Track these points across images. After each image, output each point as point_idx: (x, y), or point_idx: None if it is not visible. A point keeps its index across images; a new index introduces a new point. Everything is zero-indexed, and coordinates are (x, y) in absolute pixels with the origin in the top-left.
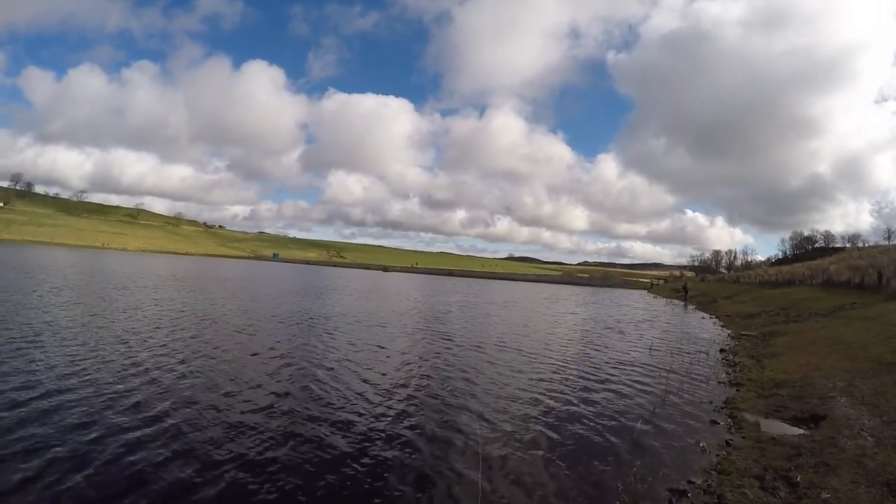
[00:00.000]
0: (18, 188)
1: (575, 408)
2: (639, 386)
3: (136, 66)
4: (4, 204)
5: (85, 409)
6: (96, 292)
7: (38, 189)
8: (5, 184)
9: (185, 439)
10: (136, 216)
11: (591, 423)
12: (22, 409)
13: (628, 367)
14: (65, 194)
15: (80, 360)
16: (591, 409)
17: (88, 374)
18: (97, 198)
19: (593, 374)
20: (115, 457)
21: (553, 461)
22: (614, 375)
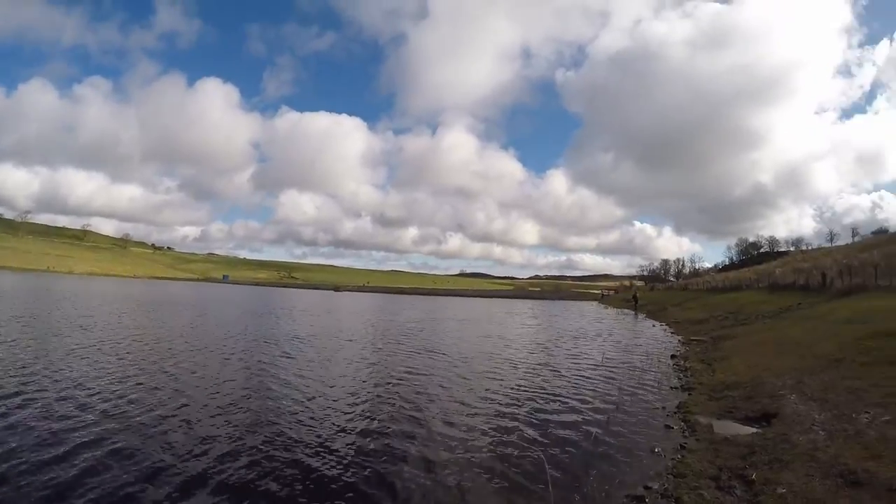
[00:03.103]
0: None
1: (529, 420)
2: (592, 396)
3: (89, 82)
4: None
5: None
6: (36, 323)
7: None
8: None
9: (138, 471)
10: (82, 238)
11: (546, 435)
12: None
13: (581, 378)
14: (9, 215)
15: (27, 401)
16: (545, 420)
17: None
18: (43, 218)
19: (546, 386)
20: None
21: (509, 474)
22: (567, 387)
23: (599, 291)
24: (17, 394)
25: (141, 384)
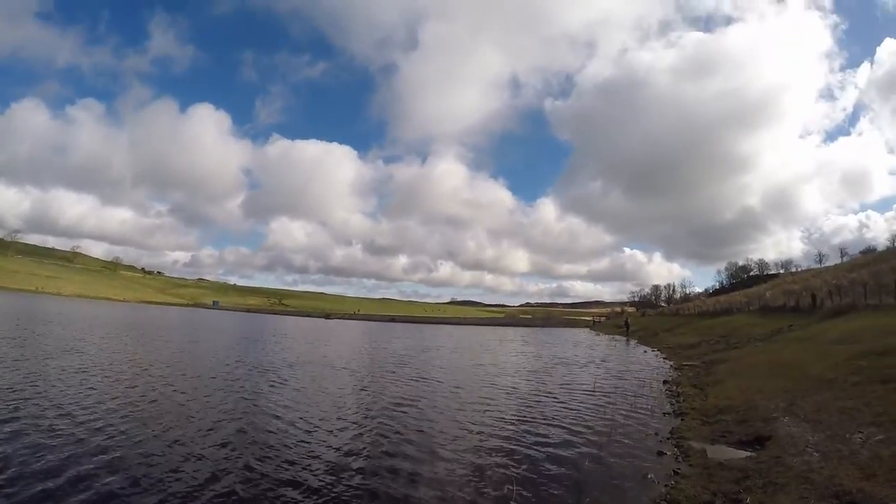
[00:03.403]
0: None
1: (522, 448)
2: (585, 423)
3: (82, 104)
4: None
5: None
6: (29, 345)
7: None
8: None
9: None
10: (71, 259)
11: (539, 463)
12: None
13: (574, 405)
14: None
15: (23, 427)
16: (538, 448)
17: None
18: (33, 239)
19: (539, 414)
20: None
21: (496, 502)
22: (560, 414)
23: (591, 318)
24: (12, 419)
25: (136, 410)
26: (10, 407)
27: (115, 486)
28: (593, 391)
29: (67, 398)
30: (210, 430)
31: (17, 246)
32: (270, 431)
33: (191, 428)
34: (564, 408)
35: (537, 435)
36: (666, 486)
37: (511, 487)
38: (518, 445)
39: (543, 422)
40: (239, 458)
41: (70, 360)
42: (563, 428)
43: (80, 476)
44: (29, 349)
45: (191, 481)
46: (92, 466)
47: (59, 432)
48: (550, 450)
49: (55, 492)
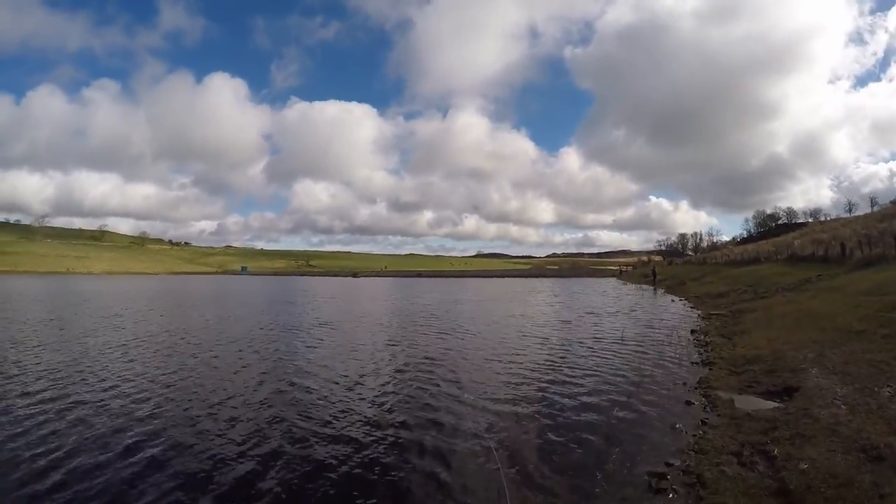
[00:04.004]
0: None
1: (550, 398)
2: (612, 372)
3: (97, 85)
4: None
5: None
6: (69, 324)
7: None
8: None
9: (177, 458)
10: (99, 238)
11: (567, 412)
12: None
13: (603, 355)
14: (27, 220)
15: (77, 402)
16: (565, 398)
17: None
18: (60, 221)
19: (569, 363)
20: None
21: (530, 452)
22: (589, 363)
23: (618, 268)
24: (63, 396)
25: (178, 380)
26: (60, 385)
27: (167, 452)
28: (622, 340)
29: (112, 373)
30: (251, 392)
31: (44, 230)
32: (310, 390)
33: (232, 391)
34: (594, 357)
35: (567, 384)
36: (694, 435)
37: (563, 432)
38: (549, 394)
39: (573, 371)
40: (282, 418)
41: (109, 336)
42: (593, 377)
43: (131, 446)
44: (68, 330)
45: (238, 443)
46: (142, 436)
47: (107, 406)
48: (581, 398)
49: (109, 462)
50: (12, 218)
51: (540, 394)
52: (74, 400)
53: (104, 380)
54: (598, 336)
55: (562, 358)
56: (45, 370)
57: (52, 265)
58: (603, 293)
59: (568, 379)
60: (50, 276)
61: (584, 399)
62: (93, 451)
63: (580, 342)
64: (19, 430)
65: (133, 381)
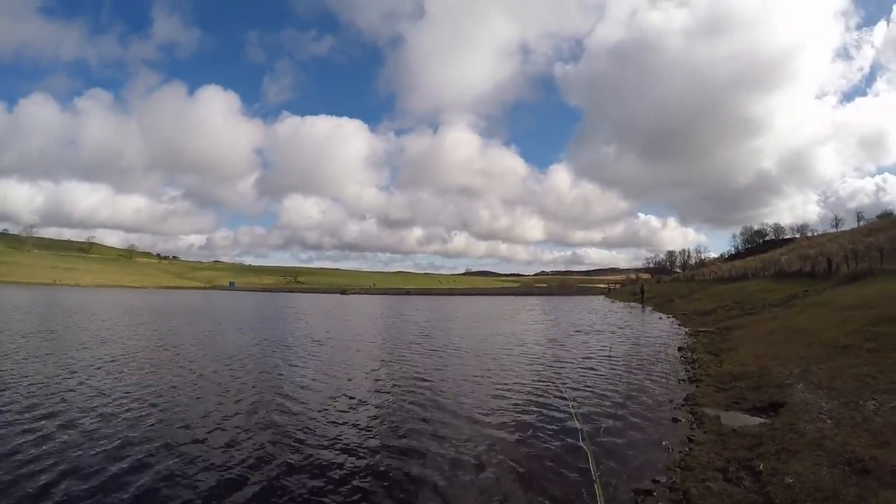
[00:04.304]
0: None
1: (536, 420)
2: (600, 389)
3: (90, 95)
4: None
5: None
6: (58, 337)
7: None
8: None
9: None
10: (88, 250)
11: (554, 428)
12: None
13: (589, 372)
14: (15, 230)
15: (68, 421)
16: (553, 414)
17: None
18: (49, 232)
19: (557, 381)
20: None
21: (517, 467)
22: (577, 381)
23: (606, 285)
24: (56, 413)
25: (168, 396)
26: (51, 400)
27: (160, 468)
28: (609, 358)
29: (102, 389)
30: (244, 412)
31: (33, 240)
32: (304, 407)
33: (225, 412)
34: (580, 377)
35: (553, 405)
36: (680, 452)
37: (551, 448)
38: (534, 416)
39: (559, 391)
40: (277, 438)
41: (99, 350)
42: (579, 397)
43: (124, 468)
44: (58, 342)
45: (232, 465)
46: (135, 455)
47: (98, 424)
48: (567, 420)
49: (101, 484)
50: (0, 227)
51: (528, 412)
52: (67, 417)
53: (95, 396)
54: (586, 354)
55: (550, 376)
56: (34, 384)
57: (40, 276)
58: (591, 311)
59: (555, 397)
60: (38, 287)
61: (571, 419)
62: (84, 473)
63: (568, 360)
64: (6, 447)
65: (124, 398)
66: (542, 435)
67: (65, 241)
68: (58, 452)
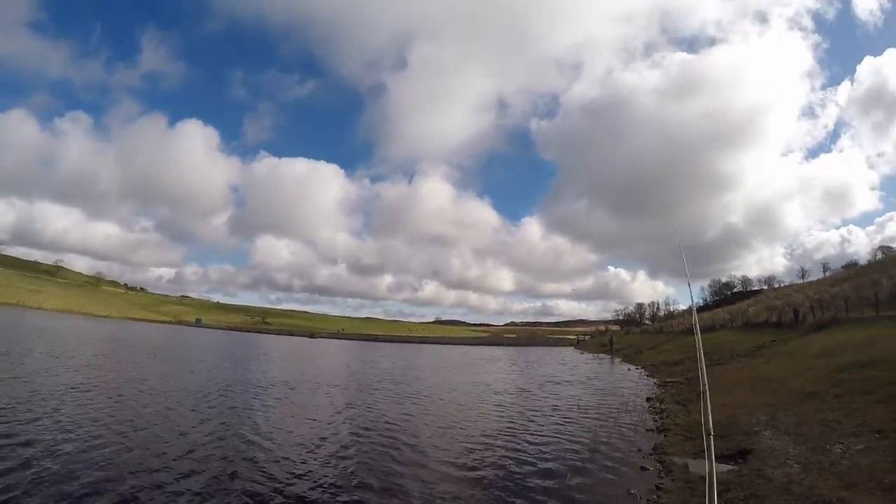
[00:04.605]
0: None
1: (506, 465)
2: (569, 439)
3: (71, 117)
4: None
5: None
6: (24, 361)
7: None
8: None
9: None
10: (54, 273)
11: (522, 480)
12: None
13: (558, 422)
14: None
15: (30, 441)
16: (521, 465)
17: None
18: (17, 251)
19: (525, 431)
20: None
21: None
22: (545, 430)
23: (575, 337)
24: (16, 434)
25: (135, 429)
26: (12, 423)
27: (104, 495)
28: (578, 409)
29: (65, 416)
30: (207, 449)
31: (0, 258)
32: (268, 449)
33: (187, 446)
34: (551, 425)
35: (524, 451)
36: (648, 500)
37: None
38: (505, 460)
39: (531, 437)
40: (239, 478)
41: (64, 378)
42: (550, 444)
43: (82, 497)
44: (22, 366)
45: (190, 500)
46: (94, 486)
47: (59, 451)
48: (537, 465)
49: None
50: None
51: (498, 459)
52: (26, 439)
53: (57, 422)
54: (555, 404)
55: (520, 425)
56: None
57: (4, 296)
58: (561, 362)
59: (526, 445)
60: (0, 307)
61: (542, 465)
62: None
63: (538, 410)
64: None
65: (86, 426)
66: (510, 480)
67: (32, 261)
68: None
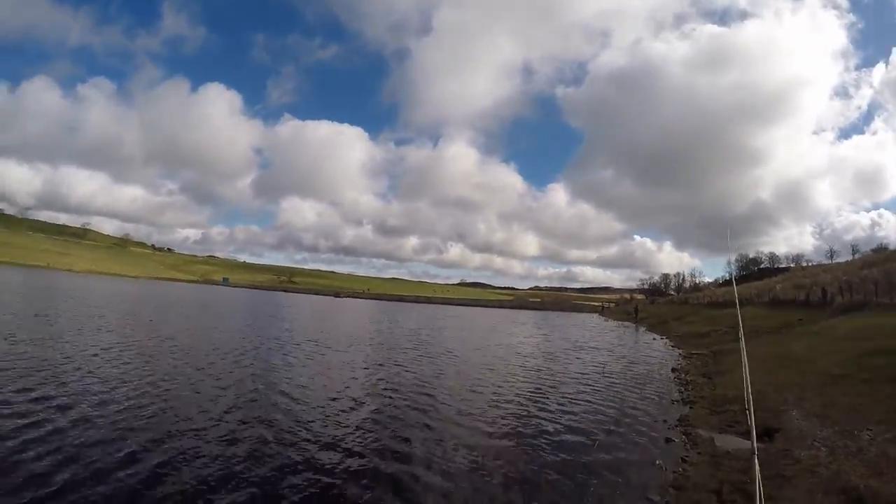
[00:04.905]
0: None
1: (531, 433)
2: (596, 408)
3: (93, 83)
4: None
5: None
6: (57, 322)
7: None
8: None
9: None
10: (82, 236)
11: (548, 448)
12: None
13: (583, 391)
14: (10, 210)
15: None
16: (547, 434)
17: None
18: (44, 215)
19: (551, 398)
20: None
21: (510, 488)
22: (570, 396)
23: (600, 304)
24: (51, 397)
25: (171, 387)
26: (53, 383)
27: (161, 462)
28: (603, 375)
29: (103, 375)
30: (239, 404)
31: (28, 222)
32: (297, 407)
33: (220, 402)
34: (576, 393)
35: (550, 416)
36: (674, 472)
37: (542, 469)
38: (532, 426)
39: (556, 403)
40: (265, 434)
41: (98, 338)
42: (575, 413)
43: (128, 453)
44: (54, 328)
45: (222, 452)
46: (138, 444)
47: (100, 409)
48: (562, 435)
49: (104, 469)
50: None
51: (523, 425)
52: (63, 402)
53: (94, 383)
54: (581, 370)
55: (546, 389)
56: (31, 367)
57: (33, 258)
58: (586, 328)
59: (551, 411)
60: (31, 269)
61: (568, 432)
62: (80, 461)
63: (564, 374)
64: (7, 428)
65: (122, 387)
66: (537, 444)
67: (60, 225)
68: (52, 437)
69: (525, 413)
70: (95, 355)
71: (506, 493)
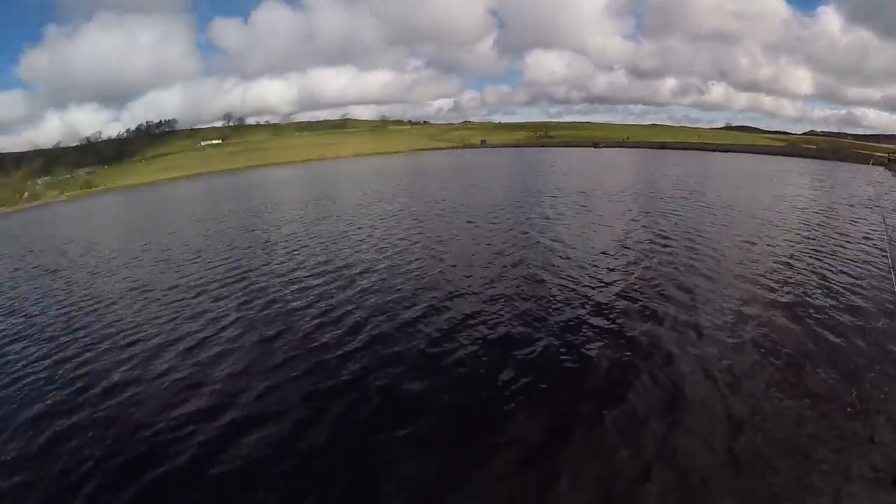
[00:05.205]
0: (231, 125)
1: (809, 293)
2: (881, 277)
3: None
4: (223, 140)
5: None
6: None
7: (250, 121)
8: (220, 124)
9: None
10: (343, 126)
11: (825, 321)
12: None
13: (868, 252)
14: (276, 120)
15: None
16: (825, 295)
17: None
18: (306, 116)
19: (829, 258)
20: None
21: (778, 363)
22: (851, 258)
23: (886, 155)
24: (351, 265)
25: (440, 242)
26: (344, 246)
27: (449, 313)
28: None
29: (378, 238)
30: (506, 256)
31: (294, 126)
32: (564, 259)
33: (489, 256)
34: (860, 254)
35: (830, 279)
36: None
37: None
38: (809, 288)
39: (837, 265)
40: (535, 281)
41: (376, 209)
42: (860, 277)
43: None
44: (337, 205)
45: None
46: (407, 291)
47: (377, 266)
48: (841, 298)
49: (404, 321)
50: (262, 120)
51: (801, 286)
52: (347, 262)
53: (372, 246)
54: (867, 233)
55: (827, 251)
56: (322, 242)
57: (305, 154)
58: (873, 183)
59: (831, 274)
60: (306, 162)
61: (846, 300)
62: (383, 315)
63: (847, 236)
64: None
65: (399, 245)
66: (811, 313)
67: (322, 121)
68: (358, 298)
69: (801, 275)
70: (371, 222)
71: (771, 376)
